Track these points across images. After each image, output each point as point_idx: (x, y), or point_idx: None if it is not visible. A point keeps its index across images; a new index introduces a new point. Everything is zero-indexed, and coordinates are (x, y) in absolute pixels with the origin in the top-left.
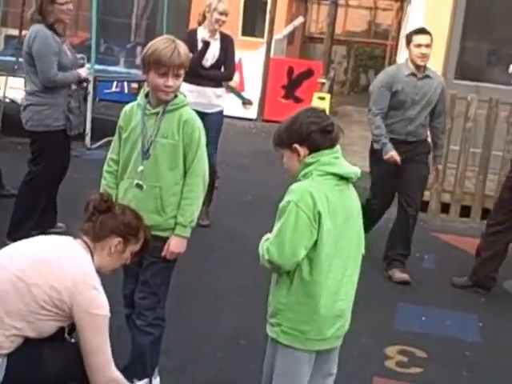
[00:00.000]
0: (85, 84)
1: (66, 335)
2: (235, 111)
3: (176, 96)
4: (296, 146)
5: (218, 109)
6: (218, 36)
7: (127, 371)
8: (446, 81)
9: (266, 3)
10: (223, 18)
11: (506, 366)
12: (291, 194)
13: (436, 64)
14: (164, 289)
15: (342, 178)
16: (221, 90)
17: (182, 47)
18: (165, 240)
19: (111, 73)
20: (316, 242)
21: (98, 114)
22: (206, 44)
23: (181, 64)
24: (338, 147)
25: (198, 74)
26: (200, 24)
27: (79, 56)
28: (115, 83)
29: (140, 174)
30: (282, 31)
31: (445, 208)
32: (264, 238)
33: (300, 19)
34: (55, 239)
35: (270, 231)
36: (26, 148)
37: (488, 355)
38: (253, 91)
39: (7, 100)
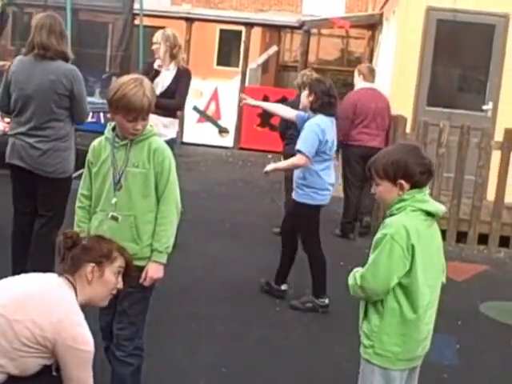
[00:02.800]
0: None
1: (54, 373)
2: (212, 140)
3: None
4: (402, 181)
5: (164, 138)
6: (173, 67)
7: None
8: (419, 108)
9: (240, 33)
10: (154, 46)
11: None
12: (387, 228)
13: (408, 92)
14: (142, 318)
15: (430, 214)
16: (169, 120)
17: (149, 89)
18: (141, 269)
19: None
20: (409, 272)
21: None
22: (155, 72)
23: (149, 107)
24: (428, 185)
25: None
26: None
27: None
28: (91, 114)
29: (114, 206)
30: (256, 60)
31: None
32: (355, 270)
33: (274, 48)
34: (38, 277)
35: (250, 258)
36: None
37: (465, 378)
38: (229, 120)
39: None
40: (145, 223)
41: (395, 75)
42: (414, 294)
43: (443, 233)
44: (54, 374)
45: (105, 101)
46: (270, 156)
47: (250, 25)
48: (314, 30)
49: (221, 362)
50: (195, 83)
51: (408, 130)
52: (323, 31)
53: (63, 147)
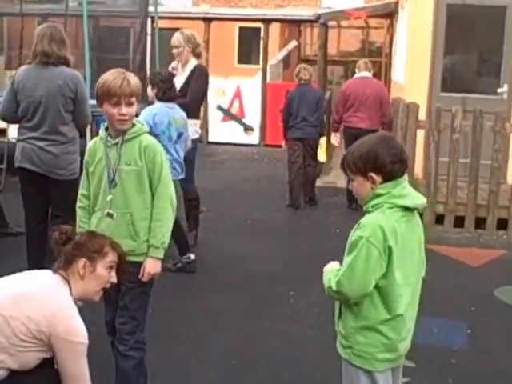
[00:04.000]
0: None
1: (56, 366)
2: (238, 138)
3: (134, 125)
4: (372, 174)
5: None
6: (189, 67)
7: None
8: (433, 94)
9: (259, 30)
10: (174, 50)
11: (491, 371)
12: (363, 230)
13: (422, 79)
14: (142, 312)
15: (409, 208)
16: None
17: (132, 77)
18: (140, 265)
19: None
20: (386, 274)
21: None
22: (169, 75)
23: (131, 92)
24: (405, 176)
25: None
26: None
27: None
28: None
29: (110, 203)
30: (276, 56)
31: (439, 219)
32: (327, 268)
33: (293, 43)
34: (33, 274)
35: (268, 253)
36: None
37: (474, 362)
38: (253, 117)
39: (13, 140)
40: (141, 220)
41: (408, 63)
42: (391, 295)
43: (461, 219)
44: (56, 367)
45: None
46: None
47: (267, 21)
48: (334, 23)
49: (231, 354)
50: (217, 82)
51: (424, 117)
52: (343, 23)
53: (72, 150)
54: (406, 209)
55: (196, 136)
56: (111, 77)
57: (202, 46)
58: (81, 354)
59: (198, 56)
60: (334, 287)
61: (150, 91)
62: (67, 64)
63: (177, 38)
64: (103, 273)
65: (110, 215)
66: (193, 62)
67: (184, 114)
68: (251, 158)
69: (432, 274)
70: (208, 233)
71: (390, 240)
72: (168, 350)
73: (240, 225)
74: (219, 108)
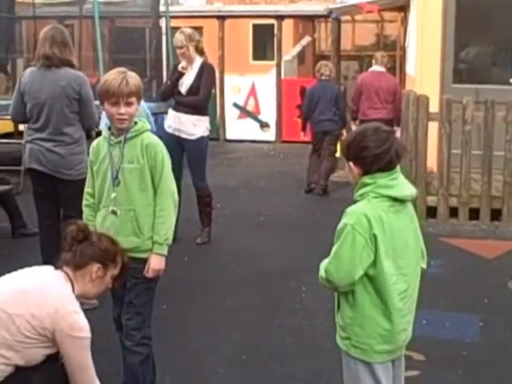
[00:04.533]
0: None
1: (62, 361)
2: (254, 135)
3: (136, 123)
4: (351, 163)
5: (193, 137)
6: (196, 65)
7: None
8: (445, 86)
9: (273, 26)
10: (178, 51)
11: (502, 363)
12: (348, 217)
13: (433, 70)
14: (148, 308)
15: (397, 199)
16: (195, 118)
17: (133, 77)
18: (144, 261)
19: None
20: (374, 263)
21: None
22: (178, 74)
23: (130, 92)
24: (397, 167)
25: (176, 101)
26: None
27: None
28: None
29: (114, 201)
30: (290, 52)
31: (454, 212)
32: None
33: (307, 38)
34: (37, 271)
35: (280, 249)
36: None
37: (485, 354)
38: (269, 113)
39: None
40: (145, 217)
41: (419, 54)
42: (383, 284)
43: (476, 212)
44: (62, 361)
45: (148, 104)
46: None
47: (280, 17)
48: (348, 17)
49: (241, 350)
50: (233, 80)
51: (436, 109)
52: (357, 17)
53: (79, 151)
54: (395, 199)
55: (207, 133)
56: (111, 76)
57: (202, 41)
58: (85, 348)
59: (201, 53)
60: (323, 275)
61: None
62: (71, 66)
63: (178, 38)
64: (109, 281)
65: (114, 213)
66: (198, 60)
67: (144, 104)
68: (267, 154)
69: (446, 267)
70: (222, 229)
71: (375, 228)
72: (180, 345)
73: (254, 221)
74: (235, 105)
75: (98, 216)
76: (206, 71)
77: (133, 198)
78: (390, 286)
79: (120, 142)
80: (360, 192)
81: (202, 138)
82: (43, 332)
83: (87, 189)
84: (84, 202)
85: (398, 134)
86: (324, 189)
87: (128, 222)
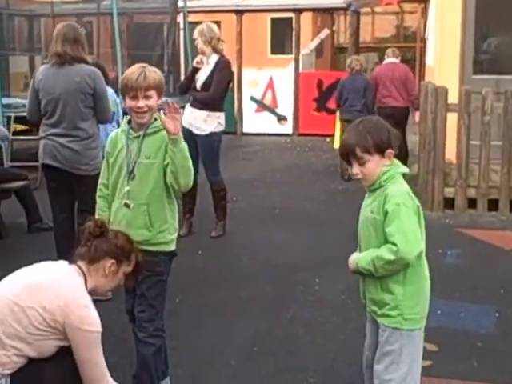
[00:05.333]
0: None
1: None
2: (271, 128)
3: (156, 119)
4: (390, 151)
5: (202, 132)
6: (212, 61)
7: (135, 380)
8: (465, 77)
9: (291, 20)
10: (196, 44)
11: None
12: (396, 198)
13: (452, 62)
14: (160, 300)
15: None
16: (206, 114)
17: (151, 71)
18: (155, 254)
19: None
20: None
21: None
22: (193, 68)
23: (148, 86)
24: None
25: (191, 96)
26: None
27: None
28: None
29: (127, 194)
30: (308, 45)
31: (472, 204)
32: (353, 257)
33: (325, 31)
34: (51, 265)
35: (294, 241)
36: None
37: (500, 344)
38: (286, 107)
39: None
40: (157, 211)
41: (438, 45)
42: (422, 254)
43: (496, 202)
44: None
45: (165, 99)
46: (327, 139)
47: (298, 10)
48: (367, 9)
49: (253, 342)
50: (250, 74)
51: (456, 100)
52: (377, 9)
53: (93, 146)
54: (404, 176)
55: (220, 128)
56: (130, 71)
57: (217, 39)
58: (95, 342)
59: (213, 49)
60: (391, 258)
61: None
62: (84, 62)
63: (195, 30)
64: (121, 277)
65: (127, 206)
66: (214, 56)
67: (114, 94)
68: (284, 147)
69: (463, 258)
70: (237, 222)
71: (415, 201)
72: (193, 338)
73: (269, 214)
74: (252, 99)
75: (112, 207)
76: (219, 67)
77: (147, 192)
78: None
79: (139, 136)
80: (387, 176)
81: (212, 133)
82: (54, 325)
83: (102, 180)
84: (98, 194)
85: (416, 118)
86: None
87: (140, 215)
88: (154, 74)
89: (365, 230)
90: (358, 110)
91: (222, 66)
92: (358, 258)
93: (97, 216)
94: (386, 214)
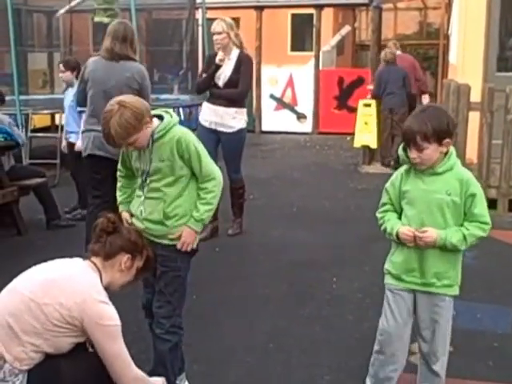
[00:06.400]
0: None
1: (90, 349)
2: (291, 126)
3: (161, 118)
4: (448, 140)
5: (230, 130)
6: (233, 56)
7: (152, 375)
8: (489, 75)
9: (312, 16)
10: (216, 37)
11: None
12: (474, 182)
13: (476, 59)
14: (178, 296)
15: None
16: (234, 110)
17: (113, 126)
18: (172, 248)
19: (161, 101)
20: None
21: None
22: (215, 66)
23: (123, 143)
24: None
25: (212, 94)
26: None
27: None
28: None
29: (143, 195)
30: (329, 42)
31: (493, 204)
32: (435, 233)
33: (347, 28)
34: (65, 262)
35: (311, 240)
36: None
37: None
38: (306, 105)
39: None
40: (174, 208)
41: (461, 42)
42: None
43: None
44: (90, 350)
45: (180, 96)
46: (348, 138)
47: (319, 6)
48: (390, 5)
49: (269, 339)
50: (270, 71)
51: (478, 98)
52: (399, 5)
53: None
54: None
55: (245, 125)
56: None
57: (240, 36)
58: (115, 335)
59: (238, 45)
60: (483, 235)
61: (69, 75)
62: (132, 60)
63: (219, 24)
64: (134, 272)
65: (143, 201)
66: (235, 51)
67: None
68: (303, 145)
69: (482, 259)
70: (254, 220)
71: None
72: (209, 335)
73: (286, 212)
74: (272, 97)
75: (133, 201)
76: (244, 63)
77: (163, 191)
78: None
79: (148, 145)
80: (451, 163)
81: (241, 130)
82: (72, 321)
83: (120, 165)
84: (119, 173)
85: (424, 101)
86: (396, 160)
87: (156, 211)
88: (117, 126)
89: (435, 211)
90: (397, 98)
91: (247, 62)
92: (446, 234)
93: (120, 207)
94: (471, 196)
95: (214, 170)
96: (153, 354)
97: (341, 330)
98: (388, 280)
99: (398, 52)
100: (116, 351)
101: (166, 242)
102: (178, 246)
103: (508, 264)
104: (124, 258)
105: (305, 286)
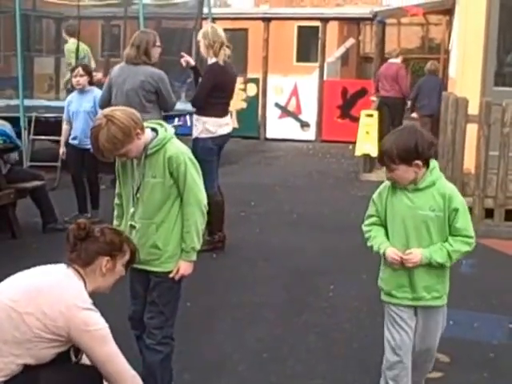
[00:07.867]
0: None
1: (74, 358)
2: (294, 134)
3: (156, 131)
4: (417, 162)
5: (192, 136)
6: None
7: None
8: (486, 89)
9: (318, 28)
10: (198, 47)
11: None
12: (457, 197)
13: (474, 73)
14: (171, 307)
15: None
16: (195, 118)
17: (103, 137)
18: (164, 274)
19: None
20: None
21: None
22: (195, 74)
23: (115, 154)
24: None
25: None
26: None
27: None
28: (176, 119)
29: (132, 216)
30: (333, 54)
31: (489, 214)
32: (418, 253)
33: (351, 41)
34: (49, 269)
35: (310, 246)
36: None
37: None
38: (309, 113)
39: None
40: (166, 229)
41: (460, 57)
42: None
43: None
44: (74, 359)
45: (188, 104)
46: (350, 147)
47: (325, 20)
48: (393, 20)
49: (263, 348)
50: (276, 80)
51: (476, 111)
52: (403, 20)
53: None
54: None
55: (208, 135)
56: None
57: (220, 43)
58: (104, 338)
59: (214, 54)
60: (468, 249)
61: (85, 79)
62: (150, 65)
63: (199, 33)
64: (121, 269)
65: (132, 227)
66: (212, 59)
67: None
68: (306, 153)
69: (477, 267)
70: (253, 227)
71: None
72: (202, 343)
73: (286, 219)
74: (277, 105)
75: (124, 222)
76: (204, 71)
77: (154, 211)
78: None
79: (141, 159)
80: (434, 178)
81: (196, 138)
82: (57, 331)
83: (117, 190)
84: (116, 201)
85: (414, 115)
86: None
87: (150, 234)
88: (105, 141)
89: (420, 226)
90: (430, 105)
91: (206, 70)
92: (430, 253)
93: (114, 221)
94: (454, 210)
95: (196, 196)
96: (141, 367)
97: (337, 339)
98: (383, 297)
99: (393, 60)
100: (108, 353)
101: (157, 268)
102: (176, 278)
103: (505, 273)
104: (103, 262)
105: (301, 293)
